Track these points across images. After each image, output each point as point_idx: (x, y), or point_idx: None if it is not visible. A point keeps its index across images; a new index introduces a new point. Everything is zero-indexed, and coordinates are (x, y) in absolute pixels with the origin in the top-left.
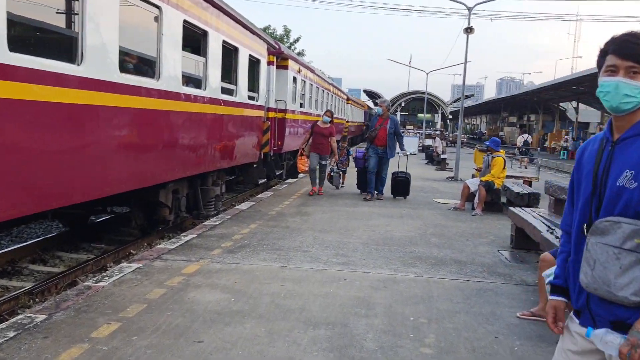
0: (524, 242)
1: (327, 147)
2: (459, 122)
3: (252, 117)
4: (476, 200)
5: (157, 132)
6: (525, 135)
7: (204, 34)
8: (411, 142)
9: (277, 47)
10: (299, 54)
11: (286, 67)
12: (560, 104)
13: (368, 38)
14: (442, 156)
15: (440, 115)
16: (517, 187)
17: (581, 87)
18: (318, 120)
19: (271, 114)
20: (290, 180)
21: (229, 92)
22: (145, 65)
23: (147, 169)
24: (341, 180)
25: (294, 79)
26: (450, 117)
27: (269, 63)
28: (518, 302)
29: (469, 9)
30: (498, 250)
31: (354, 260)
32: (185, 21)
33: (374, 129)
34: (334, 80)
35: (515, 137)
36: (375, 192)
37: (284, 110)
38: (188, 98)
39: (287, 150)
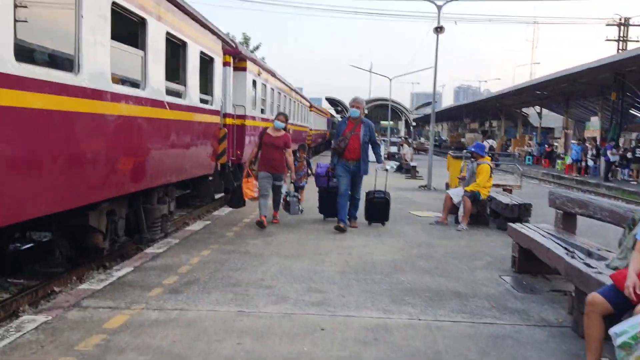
0: (529, 264)
1: (282, 162)
2: (431, 127)
3: (205, 123)
4: (460, 212)
5: (79, 140)
6: (490, 141)
7: (142, 22)
8: None
9: (234, 46)
10: None
11: (244, 69)
12: (523, 110)
13: (329, 45)
14: (412, 164)
15: (404, 122)
16: (504, 197)
17: (545, 92)
18: (268, 127)
19: (228, 121)
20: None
21: (176, 93)
22: (58, 55)
23: (69, 187)
24: (299, 201)
25: (254, 82)
26: (414, 124)
27: (225, 64)
28: (550, 356)
29: (439, 8)
30: (500, 276)
31: (331, 297)
32: (114, 3)
33: (343, 137)
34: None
35: None
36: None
37: (243, 117)
38: (121, 98)
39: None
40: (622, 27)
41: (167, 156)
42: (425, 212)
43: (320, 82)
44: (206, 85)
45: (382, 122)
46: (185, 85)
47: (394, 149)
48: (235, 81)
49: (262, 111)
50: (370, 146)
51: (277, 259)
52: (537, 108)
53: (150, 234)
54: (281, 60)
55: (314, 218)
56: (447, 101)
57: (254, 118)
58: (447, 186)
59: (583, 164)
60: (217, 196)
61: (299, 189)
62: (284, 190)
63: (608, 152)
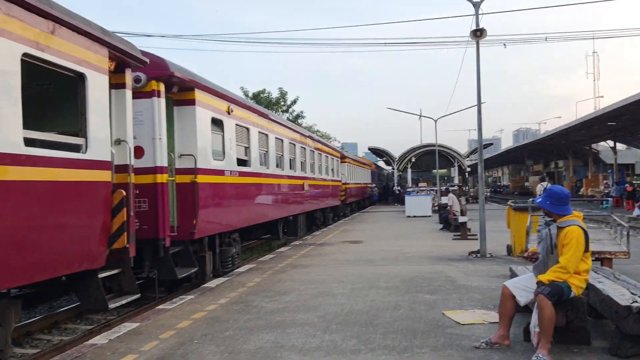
0: None
1: None
2: (479, 168)
3: (61, 183)
4: (534, 323)
5: None
6: (545, 183)
7: None
8: (421, 204)
9: (146, 62)
10: (297, 116)
11: (191, 103)
12: (592, 146)
13: (374, 96)
14: (461, 219)
15: (456, 168)
16: (614, 285)
17: (619, 123)
18: None
19: (163, 177)
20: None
21: None
22: None
23: None
24: None
25: (215, 122)
26: (469, 169)
27: (153, 93)
28: None
29: (476, 5)
30: None
31: None
32: None
33: None
34: (346, 146)
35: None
36: None
37: (193, 171)
38: None
39: (209, 233)
40: None
41: None
42: (470, 312)
43: (375, 135)
44: (65, 117)
45: (434, 171)
46: None
47: (445, 200)
48: (181, 120)
49: (243, 163)
50: None
51: None
52: (611, 142)
53: None
54: (333, 119)
55: None
56: (507, 145)
57: (220, 172)
58: (509, 250)
59: None
60: (120, 301)
61: None
62: None
63: None
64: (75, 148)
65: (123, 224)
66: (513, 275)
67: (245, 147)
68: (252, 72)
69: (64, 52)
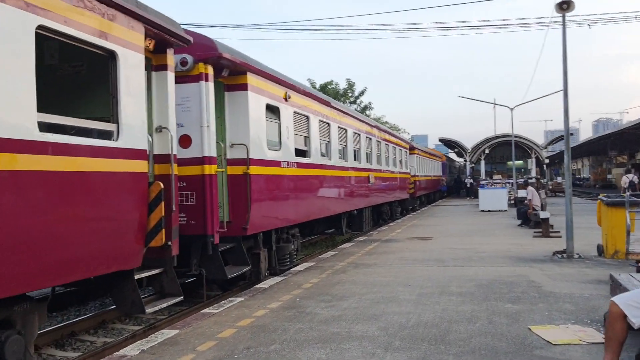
0: None
1: None
2: (566, 156)
3: (87, 174)
4: None
5: None
6: (630, 175)
7: None
8: (496, 197)
9: (190, 41)
10: (365, 107)
11: (243, 87)
12: None
13: (445, 87)
14: (543, 214)
15: (534, 160)
16: None
17: None
18: None
19: (211, 168)
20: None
21: None
22: None
23: None
24: None
25: (272, 108)
26: (547, 161)
27: (196, 77)
28: None
29: None
30: None
31: None
32: None
33: None
34: (416, 138)
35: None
36: None
37: (246, 162)
38: None
39: (263, 228)
40: None
41: None
42: (563, 328)
43: (447, 128)
44: (95, 103)
45: (509, 163)
46: None
47: (523, 193)
48: (230, 107)
49: (302, 154)
50: None
51: None
52: None
53: None
54: (404, 111)
55: None
56: (586, 136)
57: (272, 163)
58: (600, 250)
59: None
60: (160, 305)
61: None
62: None
63: None
64: (105, 135)
65: (161, 219)
66: (615, 284)
67: (305, 137)
68: (319, 64)
69: (89, 25)
